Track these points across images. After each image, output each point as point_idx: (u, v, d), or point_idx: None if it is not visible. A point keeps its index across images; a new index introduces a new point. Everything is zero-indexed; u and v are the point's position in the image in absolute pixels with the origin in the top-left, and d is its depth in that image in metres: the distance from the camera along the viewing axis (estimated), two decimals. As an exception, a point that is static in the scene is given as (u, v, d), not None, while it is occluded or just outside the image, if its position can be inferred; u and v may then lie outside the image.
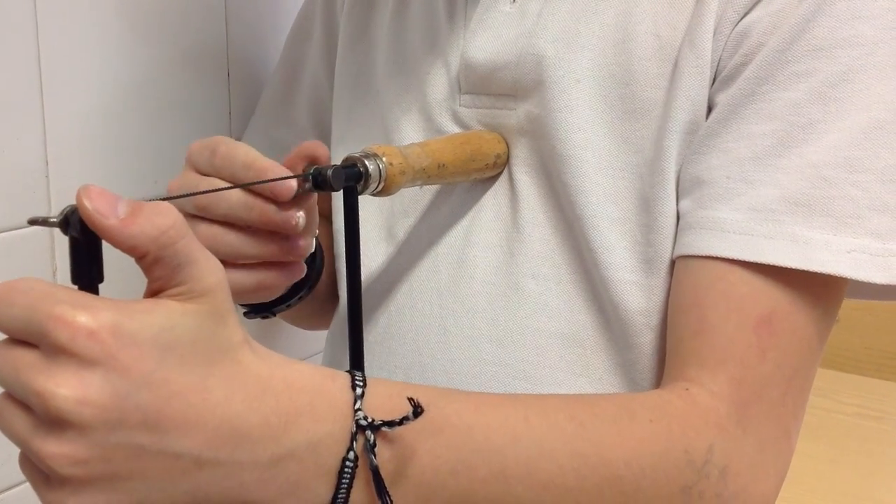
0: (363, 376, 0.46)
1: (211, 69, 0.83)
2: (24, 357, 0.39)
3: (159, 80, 0.78)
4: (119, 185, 0.75)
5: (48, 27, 0.68)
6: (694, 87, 0.60)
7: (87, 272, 0.41)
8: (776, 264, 0.56)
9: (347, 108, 0.77)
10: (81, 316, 0.38)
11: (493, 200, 0.68)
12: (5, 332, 0.40)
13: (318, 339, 0.89)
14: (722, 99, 0.60)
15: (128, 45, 0.75)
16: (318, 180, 0.56)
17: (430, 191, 0.72)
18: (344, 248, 0.59)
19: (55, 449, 0.38)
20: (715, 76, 0.60)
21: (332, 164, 0.58)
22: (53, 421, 0.38)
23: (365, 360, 0.60)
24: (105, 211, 0.39)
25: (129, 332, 0.38)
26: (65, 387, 0.37)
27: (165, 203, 0.41)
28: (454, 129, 0.70)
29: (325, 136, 0.80)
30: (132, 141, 0.76)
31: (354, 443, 0.44)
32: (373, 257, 0.73)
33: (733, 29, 0.59)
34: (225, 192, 0.56)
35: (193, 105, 0.81)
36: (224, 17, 0.83)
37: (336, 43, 0.79)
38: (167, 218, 0.40)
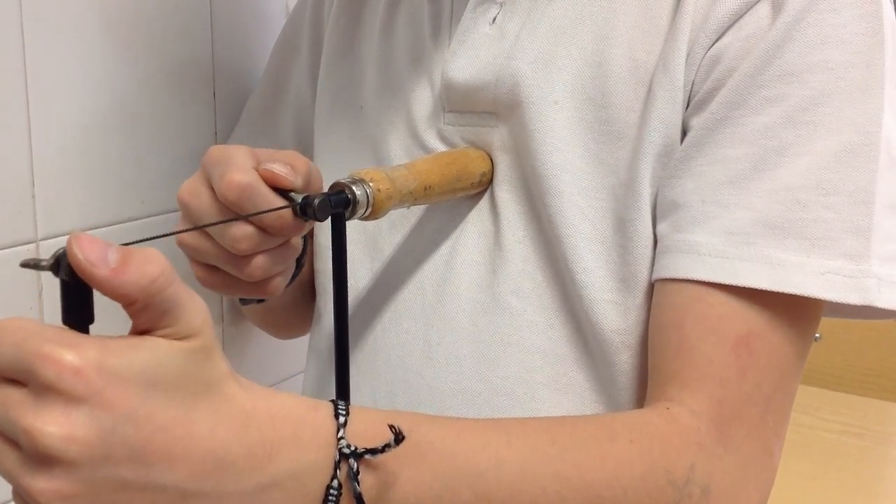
0: (346, 405, 0.47)
1: (197, 86, 0.83)
2: (13, 395, 0.39)
3: (145, 98, 0.78)
4: (106, 205, 0.75)
5: (34, 45, 0.68)
6: (667, 110, 0.61)
7: (77, 314, 0.42)
8: (751, 286, 0.56)
9: (327, 120, 0.78)
10: (68, 354, 0.39)
11: (477, 218, 0.69)
12: None
13: (298, 359, 0.89)
14: (695, 123, 0.60)
15: (114, 62, 0.75)
16: (306, 211, 0.57)
17: (414, 209, 0.73)
18: (329, 264, 0.60)
19: (44, 485, 0.39)
20: (688, 100, 0.61)
21: (320, 192, 0.59)
22: (41, 458, 0.39)
23: (350, 377, 0.60)
24: (95, 260, 0.40)
25: (114, 369, 0.39)
26: (52, 424, 0.38)
27: (154, 250, 0.41)
28: (439, 145, 0.71)
29: (306, 147, 0.81)
30: (119, 160, 0.76)
31: (338, 471, 0.45)
32: (358, 276, 0.74)
33: (705, 54, 0.60)
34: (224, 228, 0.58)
35: (180, 122, 0.81)
36: (210, 35, 0.84)
37: (321, 55, 0.80)
38: (156, 266, 0.41)
